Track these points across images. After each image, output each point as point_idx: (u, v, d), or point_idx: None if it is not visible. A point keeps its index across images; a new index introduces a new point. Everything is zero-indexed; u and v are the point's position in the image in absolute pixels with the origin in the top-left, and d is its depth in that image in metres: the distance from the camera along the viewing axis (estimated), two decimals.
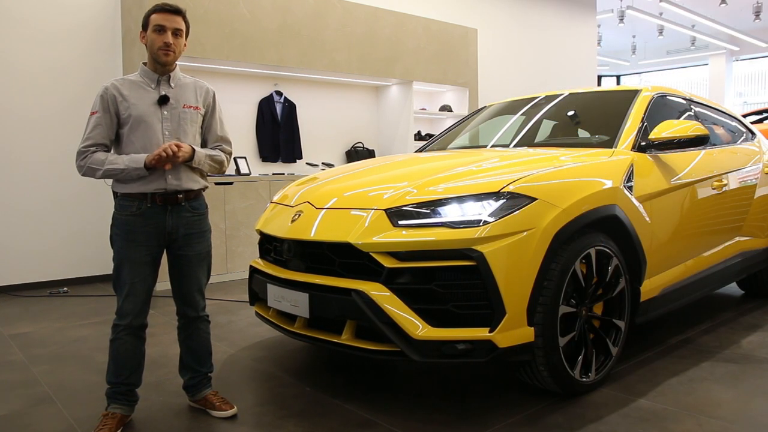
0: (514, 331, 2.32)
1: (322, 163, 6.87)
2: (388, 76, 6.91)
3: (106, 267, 5.62)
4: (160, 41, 2.36)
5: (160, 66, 2.41)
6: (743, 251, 3.86)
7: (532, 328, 2.37)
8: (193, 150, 2.41)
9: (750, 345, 3.32)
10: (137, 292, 2.38)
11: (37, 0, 5.24)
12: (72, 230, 5.47)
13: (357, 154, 7.07)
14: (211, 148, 2.56)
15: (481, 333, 2.29)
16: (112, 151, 2.43)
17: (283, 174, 6.29)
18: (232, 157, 2.68)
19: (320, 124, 6.89)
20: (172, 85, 2.45)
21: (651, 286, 2.98)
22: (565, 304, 2.47)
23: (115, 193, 2.43)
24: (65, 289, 5.20)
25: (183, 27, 2.43)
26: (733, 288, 4.62)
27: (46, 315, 4.38)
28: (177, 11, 2.41)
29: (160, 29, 2.36)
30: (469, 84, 7.76)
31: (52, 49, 5.32)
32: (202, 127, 2.55)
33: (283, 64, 6.02)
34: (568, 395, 2.59)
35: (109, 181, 2.42)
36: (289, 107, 6.50)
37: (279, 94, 6.46)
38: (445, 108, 7.83)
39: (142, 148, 2.36)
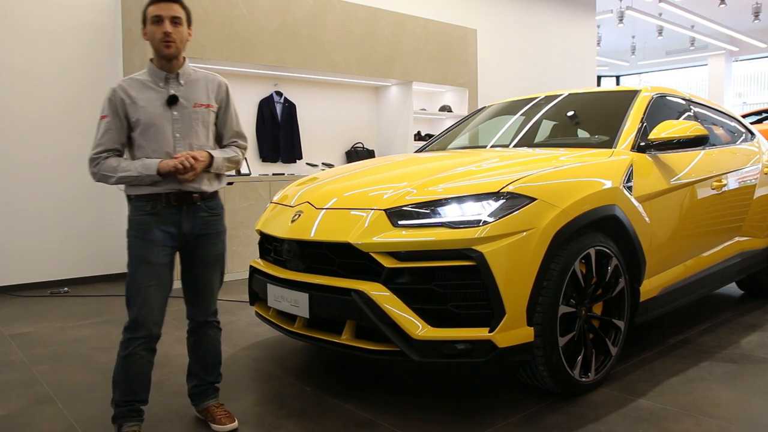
0: (513, 331, 2.33)
1: (322, 164, 6.87)
2: (387, 77, 6.92)
3: (106, 267, 5.65)
4: (159, 32, 2.22)
5: (166, 61, 2.28)
6: (742, 251, 3.86)
7: (532, 328, 2.38)
8: (211, 157, 2.31)
9: (749, 345, 3.32)
10: (153, 298, 2.23)
11: (37, 0, 5.25)
12: (72, 230, 5.47)
13: (357, 154, 7.07)
14: (226, 145, 2.47)
15: (480, 333, 2.29)
16: (125, 155, 2.33)
17: (283, 174, 6.29)
18: (246, 152, 2.58)
19: (320, 125, 6.90)
20: (181, 82, 2.31)
21: (650, 286, 2.99)
22: (565, 304, 2.48)
23: (128, 196, 2.32)
24: (65, 289, 5.20)
25: (182, 14, 2.27)
26: (732, 288, 4.62)
27: (46, 315, 4.38)
28: None
29: (158, 20, 2.23)
30: (468, 84, 7.76)
31: (53, 49, 5.32)
32: (216, 124, 2.43)
33: (283, 64, 6.02)
34: (567, 395, 2.59)
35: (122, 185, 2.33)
36: (289, 107, 6.51)
37: (279, 94, 6.46)
38: (445, 108, 7.84)
39: (153, 152, 2.26)
